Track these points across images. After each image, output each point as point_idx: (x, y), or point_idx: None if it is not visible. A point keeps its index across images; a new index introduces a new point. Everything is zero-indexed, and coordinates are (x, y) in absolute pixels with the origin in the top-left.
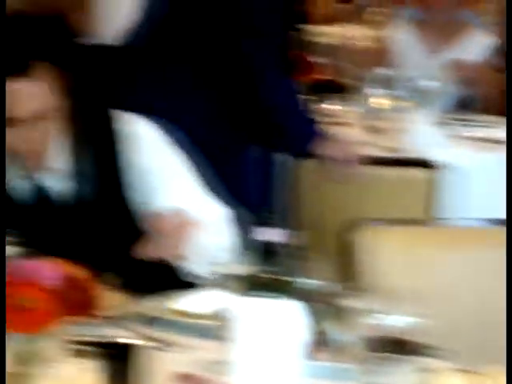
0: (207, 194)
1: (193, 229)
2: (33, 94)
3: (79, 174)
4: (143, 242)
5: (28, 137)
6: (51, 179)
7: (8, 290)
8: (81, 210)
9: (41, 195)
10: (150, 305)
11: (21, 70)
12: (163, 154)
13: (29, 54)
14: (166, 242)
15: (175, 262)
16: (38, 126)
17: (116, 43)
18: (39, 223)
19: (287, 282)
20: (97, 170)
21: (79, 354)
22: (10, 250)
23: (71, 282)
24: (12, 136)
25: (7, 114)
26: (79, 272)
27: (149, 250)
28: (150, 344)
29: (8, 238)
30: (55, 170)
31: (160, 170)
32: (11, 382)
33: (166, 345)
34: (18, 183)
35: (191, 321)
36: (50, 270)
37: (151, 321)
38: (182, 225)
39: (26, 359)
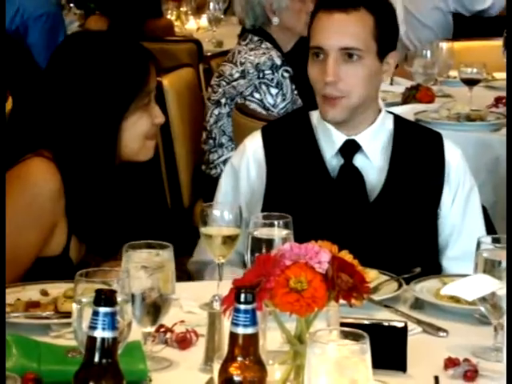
0: None
1: None
2: None
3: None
4: None
5: None
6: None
7: (287, 273)
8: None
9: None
10: (419, 289)
11: None
12: None
13: None
14: None
15: None
16: None
17: None
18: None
19: None
20: None
21: (347, 335)
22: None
23: (341, 266)
24: None
25: None
26: (347, 255)
27: None
28: (422, 328)
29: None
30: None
31: None
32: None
33: (438, 330)
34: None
35: (464, 306)
36: (323, 254)
37: (422, 305)
38: None
39: (297, 338)
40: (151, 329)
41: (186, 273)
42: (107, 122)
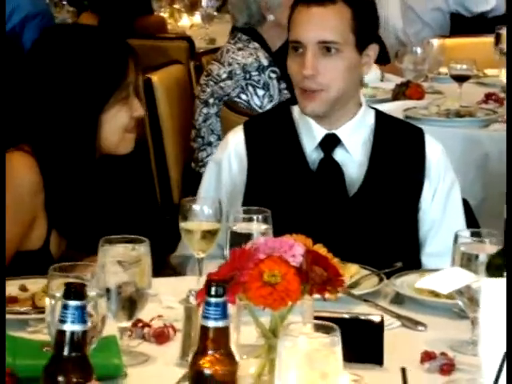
0: None
1: None
2: None
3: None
4: None
5: None
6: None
7: (260, 266)
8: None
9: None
10: (399, 283)
11: None
12: None
13: None
14: None
15: None
16: None
17: None
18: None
19: None
20: None
21: (319, 328)
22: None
23: (315, 259)
24: None
25: None
26: (321, 249)
27: None
28: (401, 322)
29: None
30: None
31: None
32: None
33: (416, 324)
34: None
35: (443, 301)
36: (297, 247)
37: (403, 300)
38: None
39: (271, 332)
40: (127, 324)
41: (172, 269)
42: (86, 115)
